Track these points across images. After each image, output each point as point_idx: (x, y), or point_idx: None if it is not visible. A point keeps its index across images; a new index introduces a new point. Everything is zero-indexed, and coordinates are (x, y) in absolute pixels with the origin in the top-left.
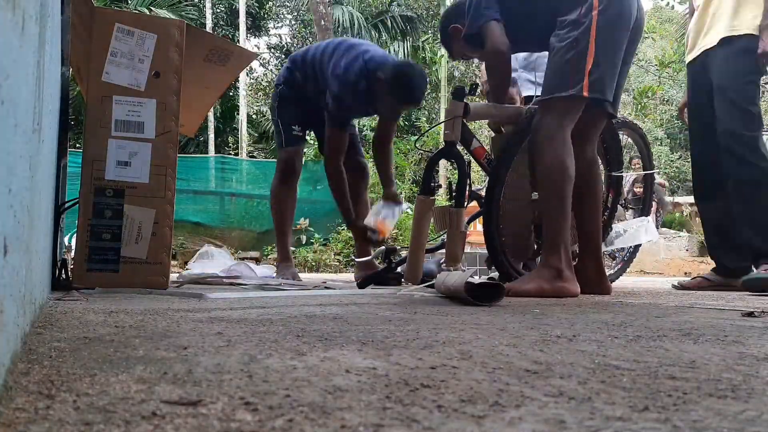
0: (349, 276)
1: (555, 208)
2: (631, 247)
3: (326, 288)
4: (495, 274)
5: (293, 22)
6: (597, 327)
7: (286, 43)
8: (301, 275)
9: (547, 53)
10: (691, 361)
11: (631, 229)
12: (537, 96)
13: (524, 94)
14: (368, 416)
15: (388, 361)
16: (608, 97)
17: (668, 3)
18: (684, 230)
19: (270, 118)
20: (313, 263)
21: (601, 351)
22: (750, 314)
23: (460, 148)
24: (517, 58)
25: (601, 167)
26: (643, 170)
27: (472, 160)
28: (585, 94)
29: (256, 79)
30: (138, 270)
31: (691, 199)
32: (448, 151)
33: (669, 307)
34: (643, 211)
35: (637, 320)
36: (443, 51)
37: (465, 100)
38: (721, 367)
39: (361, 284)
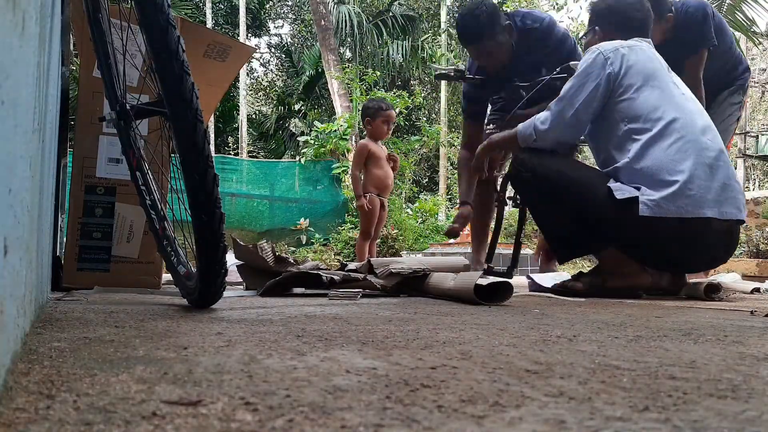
0: None
1: None
2: None
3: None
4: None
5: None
6: (597, 327)
7: (286, 43)
8: None
9: None
10: (692, 361)
11: None
12: None
13: None
14: (368, 416)
15: (388, 361)
16: None
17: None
18: None
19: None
20: None
21: (601, 351)
22: (750, 314)
23: None
24: None
25: None
26: None
27: None
28: None
29: (256, 79)
30: (129, 269)
31: None
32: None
33: (669, 307)
34: None
35: (637, 320)
36: (442, 50)
37: None
38: (721, 367)
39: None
